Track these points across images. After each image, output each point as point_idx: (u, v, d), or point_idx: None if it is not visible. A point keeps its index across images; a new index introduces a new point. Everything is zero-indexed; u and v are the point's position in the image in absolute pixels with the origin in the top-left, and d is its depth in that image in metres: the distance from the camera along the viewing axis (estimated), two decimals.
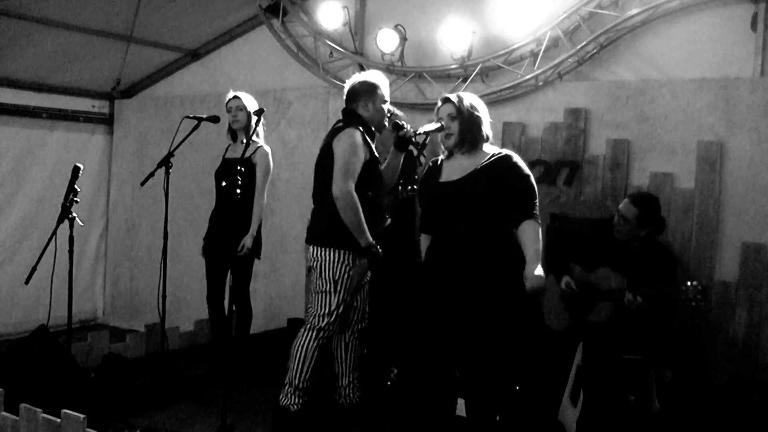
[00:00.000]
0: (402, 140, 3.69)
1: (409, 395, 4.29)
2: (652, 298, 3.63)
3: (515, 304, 3.20)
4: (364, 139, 3.70)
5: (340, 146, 3.65)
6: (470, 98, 3.35)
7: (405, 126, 3.69)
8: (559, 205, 4.84)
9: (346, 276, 3.70)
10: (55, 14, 5.56)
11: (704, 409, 4.02)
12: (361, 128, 3.72)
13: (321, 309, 3.72)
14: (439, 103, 3.39)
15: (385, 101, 3.84)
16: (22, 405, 3.29)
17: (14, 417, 3.32)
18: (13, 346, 4.34)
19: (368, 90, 3.79)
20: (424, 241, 3.45)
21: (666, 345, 3.79)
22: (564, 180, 4.88)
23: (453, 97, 3.33)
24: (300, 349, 3.71)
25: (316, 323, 3.72)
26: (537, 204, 3.26)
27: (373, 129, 3.82)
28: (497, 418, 3.40)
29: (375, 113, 3.80)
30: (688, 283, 3.51)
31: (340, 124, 3.80)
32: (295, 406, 3.73)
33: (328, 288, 3.71)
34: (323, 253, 3.71)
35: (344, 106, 3.87)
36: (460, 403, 3.47)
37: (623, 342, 3.78)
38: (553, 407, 3.99)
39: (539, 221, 3.24)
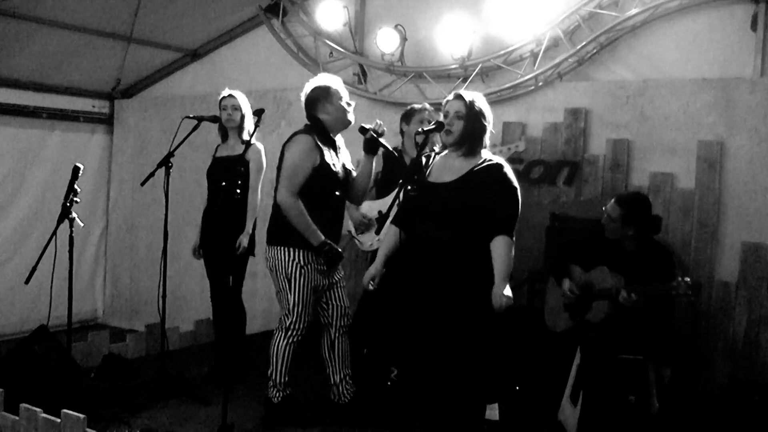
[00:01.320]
0: (368, 143, 3.77)
1: (409, 395, 4.28)
2: (647, 295, 3.64)
3: (486, 312, 3.16)
4: (317, 145, 3.76)
5: (288, 153, 3.79)
6: (481, 103, 3.30)
7: (368, 128, 3.76)
8: (559, 205, 4.84)
9: (297, 273, 3.77)
10: (56, 14, 5.56)
11: (704, 409, 4.02)
12: (314, 134, 3.79)
13: (283, 309, 3.86)
14: (450, 97, 3.32)
15: (341, 98, 3.86)
16: (22, 405, 3.29)
17: (14, 417, 3.33)
18: (13, 346, 4.35)
19: (322, 94, 3.86)
20: (392, 234, 3.41)
21: (665, 344, 3.79)
22: (564, 180, 4.88)
23: (466, 96, 3.28)
24: (274, 348, 3.89)
25: (283, 323, 3.86)
26: (515, 220, 3.22)
27: (332, 133, 3.88)
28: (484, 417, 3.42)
29: (335, 113, 3.86)
30: (679, 279, 3.53)
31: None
32: (276, 399, 3.94)
33: (284, 286, 3.82)
34: (274, 252, 3.83)
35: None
36: None
37: (621, 341, 3.78)
38: (553, 407, 3.99)
39: (513, 238, 3.18)
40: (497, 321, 3.21)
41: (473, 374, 3.23)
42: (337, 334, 3.99)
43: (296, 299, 3.79)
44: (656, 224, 4.01)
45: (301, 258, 3.77)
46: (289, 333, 3.84)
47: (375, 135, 3.76)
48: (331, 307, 3.97)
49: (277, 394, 3.93)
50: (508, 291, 3.09)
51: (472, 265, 3.17)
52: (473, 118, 3.24)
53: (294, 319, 3.81)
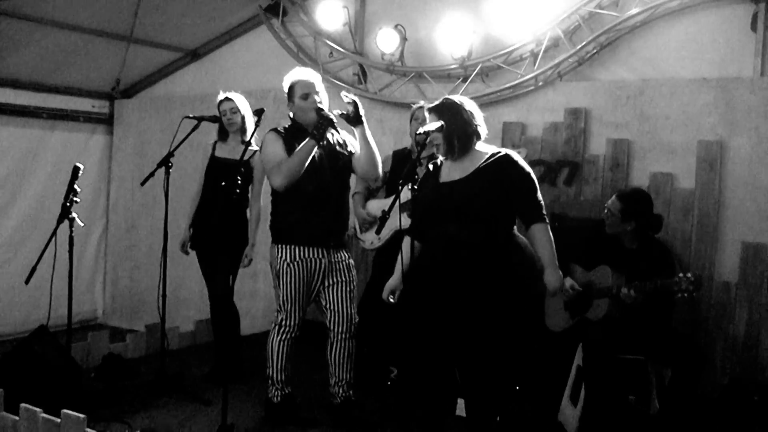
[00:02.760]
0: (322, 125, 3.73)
1: (409, 395, 4.29)
2: (649, 291, 3.64)
3: (515, 308, 3.18)
4: (279, 137, 3.78)
5: (262, 155, 3.86)
6: (450, 102, 3.27)
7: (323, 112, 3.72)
8: (559, 205, 4.84)
9: (285, 270, 3.80)
10: (55, 14, 5.56)
11: (704, 409, 4.02)
12: (278, 129, 3.83)
13: (276, 304, 3.91)
14: (427, 114, 3.32)
15: (306, 94, 3.81)
16: (22, 405, 3.29)
17: (14, 417, 3.33)
18: (13, 346, 4.35)
19: (288, 92, 3.90)
20: (406, 246, 3.36)
21: (665, 344, 3.79)
22: (564, 180, 4.88)
23: (432, 104, 3.29)
24: (269, 345, 3.92)
25: (276, 319, 3.90)
26: (542, 203, 3.23)
27: (305, 125, 3.82)
28: (497, 418, 3.40)
29: (297, 111, 3.87)
30: (681, 275, 3.53)
31: None
32: (276, 398, 3.95)
33: (275, 283, 3.88)
34: (271, 249, 3.90)
35: None
36: (460, 403, 3.47)
37: (622, 341, 3.78)
38: (553, 407, 3.99)
39: (548, 221, 3.22)
40: (523, 318, 3.22)
41: (499, 372, 3.24)
42: (335, 339, 3.94)
43: (285, 296, 3.82)
44: (657, 223, 4.02)
45: (288, 255, 3.79)
46: (282, 329, 3.86)
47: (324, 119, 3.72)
48: (330, 312, 3.92)
49: (277, 393, 3.94)
50: (558, 273, 3.16)
51: (493, 263, 3.16)
52: (446, 125, 3.21)
53: (284, 315, 3.84)
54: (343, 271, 3.92)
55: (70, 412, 3.12)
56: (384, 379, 4.52)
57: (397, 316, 3.95)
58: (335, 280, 3.90)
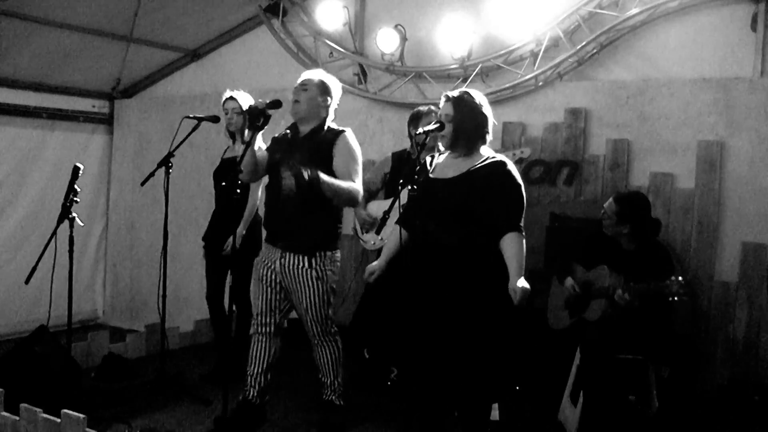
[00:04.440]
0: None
1: (409, 395, 4.28)
2: (642, 294, 3.64)
3: (492, 311, 3.13)
4: (276, 137, 3.95)
5: None
6: (472, 99, 3.24)
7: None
8: (559, 205, 4.84)
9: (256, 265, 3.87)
10: (55, 14, 5.56)
11: (704, 408, 4.02)
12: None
13: None
14: (443, 100, 3.30)
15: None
16: (22, 405, 3.29)
17: (14, 417, 3.33)
18: (13, 346, 4.35)
19: None
20: (395, 234, 3.32)
21: (663, 344, 3.79)
22: (564, 180, 4.88)
23: (454, 94, 3.25)
24: None
25: None
26: (523, 216, 3.18)
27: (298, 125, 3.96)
28: (491, 417, 3.41)
29: None
30: (672, 278, 3.54)
31: None
32: (248, 394, 3.86)
33: None
34: None
35: None
36: None
37: (619, 341, 3.78)
38: (553, 407, 3.99)
39: (523, 233, 3.14)
40: (502, 320, 3.20)
41: (480, 375, 3.21)
42: (314, 342, 3.86)
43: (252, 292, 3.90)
44: (655, 228, 4.02)
45: (262, 254, 3.87)
46: (252, 324, 3.89)
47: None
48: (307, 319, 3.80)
49: (247, 387, 3.86)
50: (522, 282, 3.03)
51: (472, 267, 3.13)
52: (461, 118, 3.20)
53: (253, 311, 3.89)
54: (297, 278, 3.68)
55: (70, 412, 3.12)
56: (384, 379, 4.51)
57: (397, 316, 3.95)
58: (291, 287, 3.73)
